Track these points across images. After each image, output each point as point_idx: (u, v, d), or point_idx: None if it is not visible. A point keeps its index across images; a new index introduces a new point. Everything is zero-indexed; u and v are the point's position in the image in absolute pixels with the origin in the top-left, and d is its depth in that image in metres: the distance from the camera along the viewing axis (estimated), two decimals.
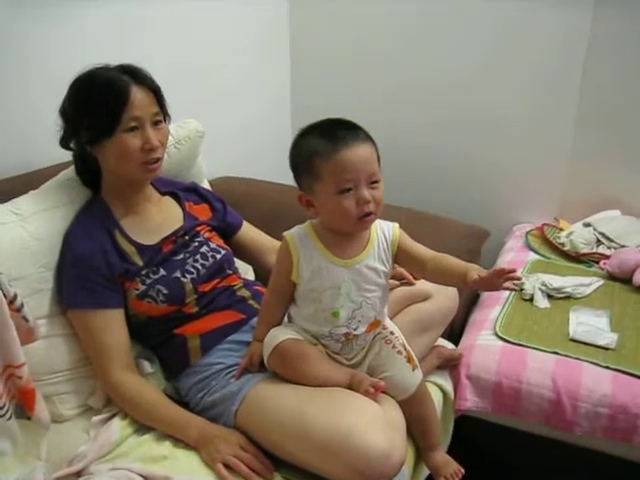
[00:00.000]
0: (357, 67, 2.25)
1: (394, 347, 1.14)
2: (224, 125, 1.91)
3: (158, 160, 1.20)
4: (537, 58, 1.97)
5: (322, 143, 1.01)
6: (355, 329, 1.09)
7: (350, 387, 1.07)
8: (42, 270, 1.16)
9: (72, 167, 1.28)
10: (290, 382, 1.09)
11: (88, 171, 1.25)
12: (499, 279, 0.95)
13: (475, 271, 0.98)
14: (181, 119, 1.49)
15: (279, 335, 1.10)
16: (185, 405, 1.18)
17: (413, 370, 1.13)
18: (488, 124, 2.11)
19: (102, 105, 1.13)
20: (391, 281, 1.30)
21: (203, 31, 1.89)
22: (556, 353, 1.39)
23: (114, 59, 1.18)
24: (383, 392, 1.09)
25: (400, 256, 1.11)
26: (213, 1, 1.90)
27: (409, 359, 1.14)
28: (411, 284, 1.34)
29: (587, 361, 1.37)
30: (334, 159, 0.99)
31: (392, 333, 1.16)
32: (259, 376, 1.12)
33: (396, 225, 1.13)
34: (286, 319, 1.17)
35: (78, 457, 1.07)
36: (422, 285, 1.34)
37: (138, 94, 1.15)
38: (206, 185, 1.60)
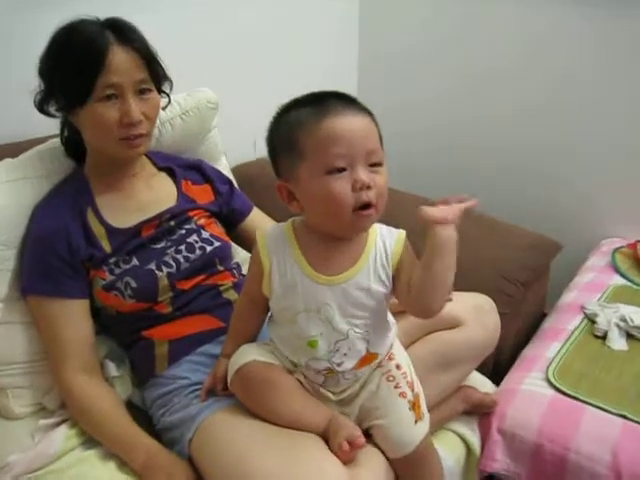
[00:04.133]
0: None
1: (397, 386, 0.90)
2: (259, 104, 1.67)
3: (142, 136, 1.02)
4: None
5: (306, 113, 0.79)
6: (339, 364, 0.85)
7: (326, 434, 0.85)
8: (1, 248, 1.03)
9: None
10: (254, 415, 0.88)
11: (72, 140, 1.10)
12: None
13: None
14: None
15: (246, 354, 0.90)
16: (149, 419, 1.02)
17: (416, 422, 0.89)
18: (570, 112, 1.76)
19: (74, 67, 0.96)
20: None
21: None
22: (624, 417, 1.06)
23: (120, 12, 1.01)
24: (374, 443, 0.87)
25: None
26: None
27: (414, 405, 0.89)
28: None
29: None
30: (320, 129, 0.77)
31: (398, 367, 0.92)
32: (223, 402, 0.93)
33: (402, 233, 0.87)
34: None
35: (5, 469, 0.94)
36: (451, 307, 1.06)
37: (118, 56, 0.97)
38: (223, 166, 1.40)
